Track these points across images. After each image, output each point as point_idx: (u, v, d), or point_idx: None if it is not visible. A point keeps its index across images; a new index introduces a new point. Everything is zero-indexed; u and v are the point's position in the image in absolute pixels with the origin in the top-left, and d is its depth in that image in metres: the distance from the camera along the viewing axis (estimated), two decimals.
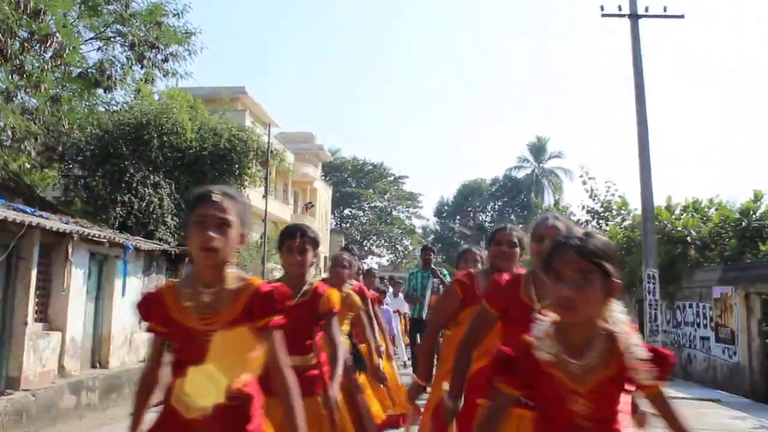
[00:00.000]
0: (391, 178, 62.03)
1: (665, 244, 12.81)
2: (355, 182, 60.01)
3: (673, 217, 13.68)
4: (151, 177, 14.16)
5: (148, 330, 2.49)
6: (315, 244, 3.61)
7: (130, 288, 10.98)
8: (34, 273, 8.28)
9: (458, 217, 62.15)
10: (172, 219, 14.34)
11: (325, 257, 46.37)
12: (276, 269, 27.59)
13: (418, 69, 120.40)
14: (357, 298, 5.09)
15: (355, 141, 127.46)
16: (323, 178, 49.09)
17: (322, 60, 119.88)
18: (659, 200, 13.91)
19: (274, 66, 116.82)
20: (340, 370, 3.62)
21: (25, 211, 9.52)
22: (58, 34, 11.58)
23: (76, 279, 9.26)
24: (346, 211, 61.41)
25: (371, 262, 68.13)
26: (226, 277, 2.36)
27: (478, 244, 38.97)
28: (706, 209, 13.89)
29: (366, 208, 61.92)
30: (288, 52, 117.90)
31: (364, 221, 61.57)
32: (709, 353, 11.58)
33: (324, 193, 46.02)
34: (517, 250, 3.69)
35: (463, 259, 5.33)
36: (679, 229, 12.90)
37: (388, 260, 68.88)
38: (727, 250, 12.08)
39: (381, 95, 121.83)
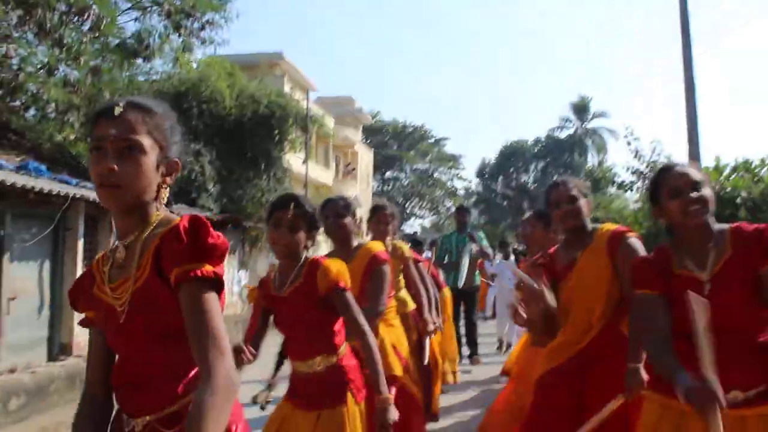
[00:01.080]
0: (432, 139, 61.68)
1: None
2: (396, 144, 59.80)
3: (722, 177, 13.25)
4: (192, 145, 14.29)
5: (81, 323, 1.88)
6: (311, 221, 2.87)
7: None
8: (80, 243, 8.46)
9: (501, 178, 61.56)
10: (213, 186, 14.50)
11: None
12: (319, 232, 27.82)
13: (458, 28, 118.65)
14: (406, 248, 4.69)
15: (396, 103, 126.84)
16: (364, 141, 49.00)
17: (360, 22, 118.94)
18: (707, 161, 13.50)
19: (311, 30, 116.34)
20: (380, 374, 2.80)
21: (69, 183, 9.73)
22: (95, 6, 11.63)
23: None
24: (388, 174, 61.35)
25: (414, 224, 68.40)
26: (146, 224, 1.68)
27: (520, 205, 38.71)
28: (757, 169, 13.42)
29: (407, 171, 61.79)
30: (325, 15, 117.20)
31: (406, 184, 61.49)
32: None
33: (365, 156, 45.98)
34: (582, 201, 3.19)
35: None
36: (728, 190, 12.49)
37: (430, 222, 68.93)
38: None
39: (420, 56, 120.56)
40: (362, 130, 47.36)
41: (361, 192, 43.38)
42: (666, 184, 2.42)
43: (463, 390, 7.55)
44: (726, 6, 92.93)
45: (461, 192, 69.80)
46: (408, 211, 63.26)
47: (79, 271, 8.49)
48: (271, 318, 3.06)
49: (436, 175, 61.93)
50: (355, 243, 3.78)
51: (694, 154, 11.43)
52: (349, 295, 2.79)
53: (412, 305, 4.75)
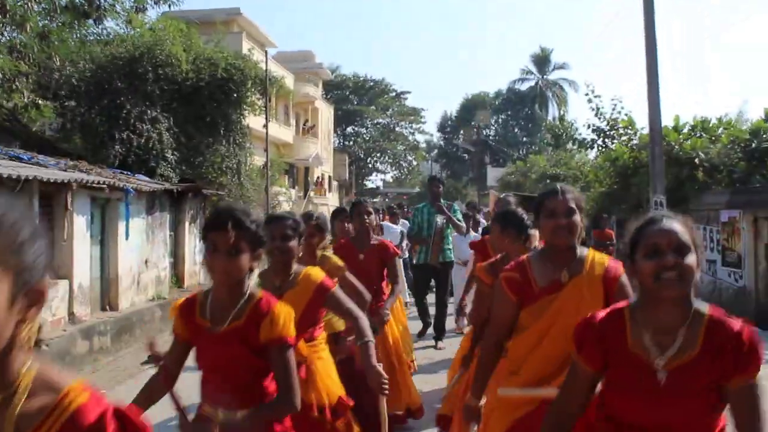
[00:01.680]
0: (393, 93, 61.14)
1: (672, 166, 12.60)
2: (356, 99, 59.18)
3: (681, 137, 13.43)
4: (149, 112, 13.90)
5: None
6: (255, 241, 2.37)
7: (134, 229, 10.94)
8: None
9: (462, 132, 61.51)
10: (172, 154, 14.17)
11: (330, 177, 46.38)
12: (281, 193, 27.57)
13: None
14: (335, 259, 4.15)
15: (356, 57, 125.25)
16: (324, 96, 48.39)
17: None
18: (666, 119, 13.60)
19: None
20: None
21: (21, 159, 9.40)
22: None
23: (79, 225, 9.20)
24: (349, 129, 60.82)
25: (376, 180, 68.24)
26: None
27: (482, 159, 38.42)
28: (715, 128, 13.61)
29: (369, 126, 61.33)
30: None
31: (367, 138, 61.09)
32: (716, 276, 11.58)
33: (326, 112, 45.48)
34: (578, 217, 2.77)
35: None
36: (687, 150, 12.67)
37: (392, 177, 68.85)
38: (736, 172, 11.90)
39: (380, 8, 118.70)
40: (322, 85, 46.72)
41: (323, 149, 43.03)
42: (644, 240, 2.03)
43: (432, 372, 7.30)
44: None
45: (423, 146, 69.73)
46: (370, 166, 63.04)
47: None
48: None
49: (397, 129, 61.57)
50: (294, 267, 3.33)
51: (654, 114, 11.47)
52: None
53: (341, 325, 4.28)
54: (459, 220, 8.58)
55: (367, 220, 5.01)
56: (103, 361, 9.12)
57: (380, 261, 5.07)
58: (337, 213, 5.99)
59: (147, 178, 12.77)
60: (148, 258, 11.64)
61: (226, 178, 15.72)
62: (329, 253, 4.33)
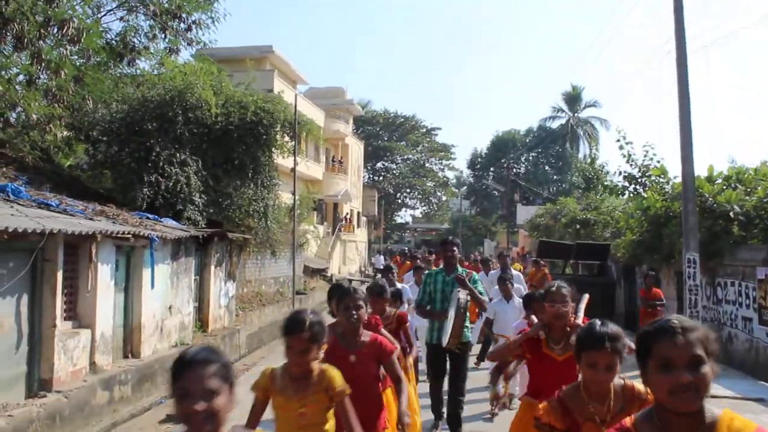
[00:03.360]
0: (424, 129, 61.45)
1: (706, 218, 12.29)
2: (387, 135, 59.52)
3: (715, 188, 13.11)
4: (178, 155, 13.98)
5: None
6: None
7: (159, 275, 10.93)
8: (60, 274, 8.20)
9: (492, 169, 61.37)
10: (200, 197, 14.21)
11: (358, 213, 46.41)
12: (308, 231, 27.55)
13: (450, 17, 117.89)
14: (338, 377, 3.49)
15: (387, 93, 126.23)
16: (355, 131, 48.68)
17: (351, 12, 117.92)
18: (700, 169, 13.32)
19: (301, 20, 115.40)
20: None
21: (49, 206, 9.46)
22: (74, 19, 11.29)
23: (103, 274, 9.19)
24: (379, 165, 61.10)
25: (405, 215, 68.22)
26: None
27: (512, 197, 38.14)
28: (750, 179, 13.27)
29: (399, 161, 61.58)
30: (315, 6, 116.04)
31: (397, 174, 61.25)
32: (752, 335, 11.19)
33: (356, 148, 45.71)
34: (708, 369, 1.94)
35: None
36: (722, 203, 12.35)
37: (421, 213, 68.82)
38: None
39: (413, 46, 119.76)
40: (353, 120, 47.02)
41: (352, 185, 43.16)
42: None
43: None
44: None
45: (453, 182, 69.65)
46: (399, 202, 63.06)
47: (59, 302, 8.25)
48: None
49: (427, 165, 61.68)
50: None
51: (687, 169, 11.20)
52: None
53: None
54: (481, 293, 7.09)
55: (355, 315, 4.15)
56: (123, 412, 9.05)
57: (376, 361, 4.29)
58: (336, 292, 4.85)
59: (174, 222, 12.80)
60: (172, 304, 11.61)
61: (253, 220, 15.72)
62: (326, 366, 3.52)
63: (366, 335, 4.27)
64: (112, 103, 14.93)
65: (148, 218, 11.83)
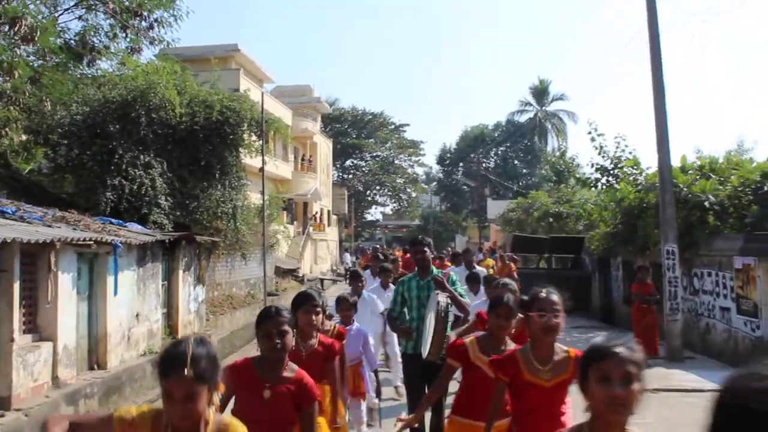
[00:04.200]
0: (392, 126, 61.19)
1: (680, 209, 12.21)
2: (355, 133, 59.17)
3: (688, 178, 13.05)
4: (142, 157, 13.52)
5: None
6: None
7: (124, 282, 10.51)
8: (17, 285, 7.77)
9: (461, 164, 61.36)
10: (166, 200, 13.77)
11: (329, 211, 46.03)
12: (279, 231, 27.12)
13: (416, 11, 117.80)
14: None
15: (355, 90, 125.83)
16: (323, 130, 48.24)
17: (316, 7, 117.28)
18: (673, 159, 13.23)
19: (266, 19, 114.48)
20: None
21: (5, 213, 9.00)
22: (28, 17, 10.79)
23: (64, 283, 8.75)
24: (348, 162, 60.75)
25: (375, 213, 67.96)
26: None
27: (482, 192, 38.01)
28: (722, 168, 13.24)
29: (368, 158, 61.27)
30: (281, 4, 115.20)
31: (367, 171, 60.95)
32: (730, 325, 11.13)
33: (324, 147, 45.27)
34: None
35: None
36: (696, 193, 12.29)
37: (391, 210, 68.62)
38: (747, 216, 11.49)
39: (379, 41, 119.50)
40: (321, 118, 46.57)
41: (321, 183, 42.74)
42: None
43: None
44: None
45: (423, 178, 69.58)
46: (369, 199, 62.77)
47: (17, 314, 7.81)
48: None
49: (396, 162, 61.45)
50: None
51: (664, 160, 11.08)
52: None
53: None
54: (461, 295, 6.28)
55: (279, 344, 3.38)
56: None
57: (294, 403, 3.44)
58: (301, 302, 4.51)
59: (140, 226, 12.36)
60: (140, 311, 11.18)
61: (221, 222, 15.30)
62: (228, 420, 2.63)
63: (291, 370, 3.44)
64: (72, 104, 14.40)
65: (111, 223, 11.38)
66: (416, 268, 6.46)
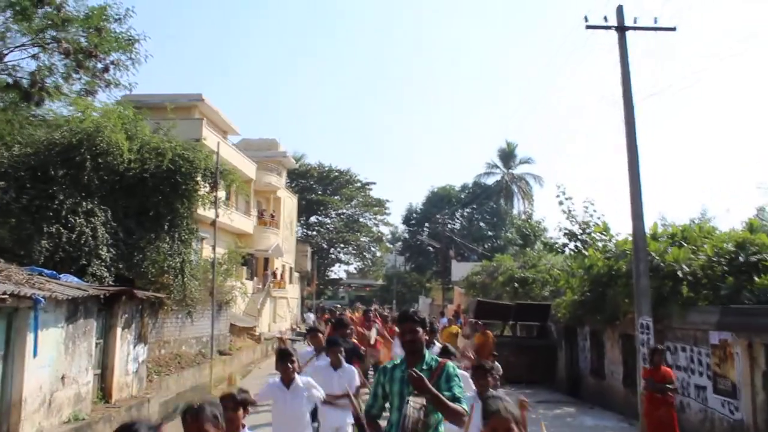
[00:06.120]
0: (358, 184, 60.79)
1: (653, 279, 11.62)
2: (321, 189, 58.62)
3: (660, 246, 12.52)
4: (84, 204, 12.61)
5: None
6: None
7: (48, 341, 9.45)
8: None
9: (427, 224, 60.98)
10: (108, 251, 12.80)
11: (291, 268, 44.93)
12: (236, 288, 26.03)
13: (389, 71, 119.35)
14: None
15: (321, 146, 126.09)
16: (288, 185, 47.55)
17: (284, 62, 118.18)
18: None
19: (234, 72, 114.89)
20: None
21: None
22: None
23: None
24: (313, 219, 59.96)
25: (339, 271, 66.90)
26: None
27: (446, 253, 37.27)
28: (695, 237, 12.75)
29: (333, 215, 60.60)
30: (248, 57, 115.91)
31: (331, 229, 60.18)
32: (706, 405, 10.41)
33: (288, 202, 44.48)
34: None
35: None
36: (669, 262, 11.72)
37: (355, 268, 67.66)
38: (722, 287, 10.93)
39: (348, 99, 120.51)
40: (286, 174, 45.92)
41: (285, 239, 41.78)
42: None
43: None
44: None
45: (388, 236, 68.96)
46: (333, 257, 61.81)
47: None
48: None
49: (361, 220, 60.86)
50: None
51: (638, 229, 10.51)
52: None
53: None
54: (456, 398, 4.14)
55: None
56: None
57: None
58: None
59: (75, 279, 11.36)
60: (66, 373, 10.08)
61: (168, 277, 14.31)
62: None
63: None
64: (14, 145, 13.52)
65: (41, 274, 10.37)
66: (404, 353, 4.55)
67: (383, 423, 4.46)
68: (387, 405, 4.46)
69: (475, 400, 5.29)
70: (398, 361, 4.53)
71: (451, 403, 4.00)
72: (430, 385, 3.97)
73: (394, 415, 4.28)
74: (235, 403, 4.16)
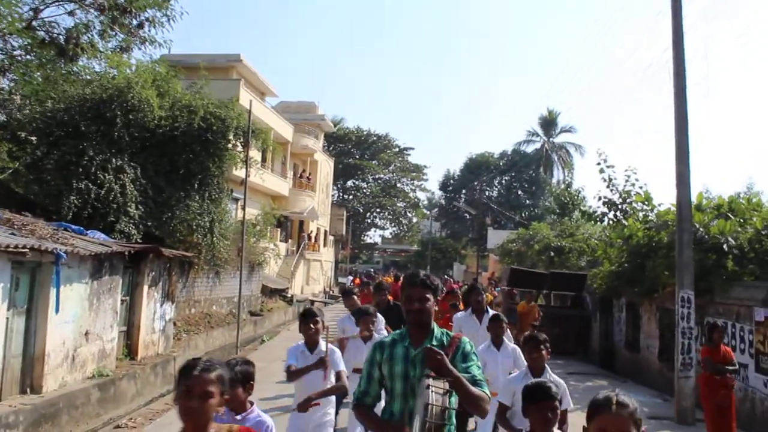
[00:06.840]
0: (396, 149, 60.36)
1: (696, 251, 11.08)
2: (358, 153, 58.31)
3: (705, 218, 11.95)
4: (114, 160, 12.49)
5: None
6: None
7: (72, 296, 9.39)
8: None
9: (464, 191, 60.36)
10: (136, 208, 12.70)
11: (326, 231, 44.93)
12: (268, 250, 25.98)
13: (428, 37, 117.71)
14: None
15: (361, 110, 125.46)
16: (325, 148, 47.33)
17: (327, 27, 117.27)
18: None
19: (274, 33, 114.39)
20: None
21: None
22: None
23: None
24: (349, 183, 59.81)
25: (374, 235, 66.85)
26: None
27: (483, 221, 36.78)
28: (743, 209, 12.13)
29: (370, 180, 60.35)
30: (290, 18, 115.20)
31: (368, 193, 59.97)
32: (747, 384, 9.96)
33: (325, 165, 44.30)
34: None
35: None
36: (714, 234, 11.17)
37: (391, 233, 67.53)
38: None
39: (389, 64, 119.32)
40: (324, 137, 45.68)
41: (320, 202, 41.70)
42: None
43: None
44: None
45: (425, 203, 68.56)
46: (368, 222, 61.72)
47: None
48: None
49: (398, 185, 60.50)
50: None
51: (683, 197, 9.96)
52: None
53: None
54: (477, 381, 3.34)
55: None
56: None
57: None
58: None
59: (102, 236, 11.29)
60: (90, 329, 10.04)
61: (197, 236, 14.20)
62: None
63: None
64: (47, 100, 13.42)
65: (66, 230, 10.30)
66: (407, 324, 3.56)
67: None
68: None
69: (526, 376, 4.72)
70: (398, 336, 3.58)
71: (474, 388, 3.25)
72: (451, 366, 3.18)
73: (396, 404, 3.40)
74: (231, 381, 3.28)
